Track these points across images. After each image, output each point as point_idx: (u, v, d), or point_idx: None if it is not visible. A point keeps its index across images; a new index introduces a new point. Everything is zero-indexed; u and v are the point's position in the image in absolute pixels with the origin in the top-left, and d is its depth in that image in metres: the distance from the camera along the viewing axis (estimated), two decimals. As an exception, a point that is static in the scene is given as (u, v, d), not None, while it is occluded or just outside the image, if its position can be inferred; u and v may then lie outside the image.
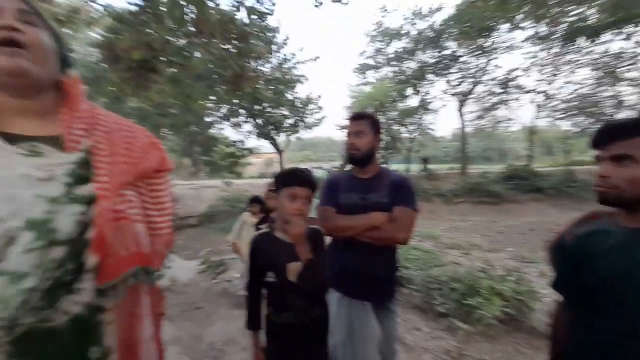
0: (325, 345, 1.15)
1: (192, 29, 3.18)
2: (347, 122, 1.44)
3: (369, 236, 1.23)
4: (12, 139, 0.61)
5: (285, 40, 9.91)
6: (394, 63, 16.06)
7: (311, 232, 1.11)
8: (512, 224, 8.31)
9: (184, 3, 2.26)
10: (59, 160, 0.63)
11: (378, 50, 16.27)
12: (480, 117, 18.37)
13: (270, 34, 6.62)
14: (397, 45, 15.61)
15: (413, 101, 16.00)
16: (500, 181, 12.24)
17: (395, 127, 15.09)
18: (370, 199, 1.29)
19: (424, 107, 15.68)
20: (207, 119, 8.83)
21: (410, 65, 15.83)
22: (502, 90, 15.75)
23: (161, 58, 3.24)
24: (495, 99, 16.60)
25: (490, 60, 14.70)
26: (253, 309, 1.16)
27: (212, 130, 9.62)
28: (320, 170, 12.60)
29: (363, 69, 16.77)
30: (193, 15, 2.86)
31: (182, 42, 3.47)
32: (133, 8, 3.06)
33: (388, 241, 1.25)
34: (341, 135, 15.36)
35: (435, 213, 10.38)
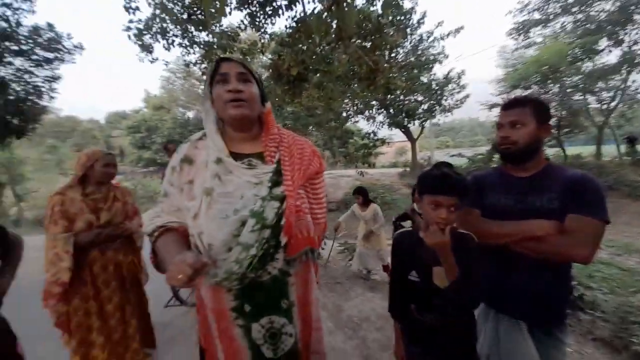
0: (471, 357, 1.06)
1: (333, 35, 3.54)
2: (499, 110, 1.18)
3: (528, 248, 1.02)
4: (237, 156, 0.94)
5: (421, 19, 9.18)
6: (576, 9, 11.54)
7: (460, 237, 1.01)
8: None
9: (329, 19, 2.56)
10: (264, 170, 0.94)
11: (547, -1, 12.14)
12: None
13: (404, 18, 6.34)
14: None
15: (610, 57, 11.11)
16: None
17: (576, 97, 11.04)
18: (530, 203, 1.06)
19: (629, 62, 10.54)
20: (344, 114, 9.59)
21: (604, 6, 10.97)
22: None
23: (310, 68, 3.82)
24: None
25: None
26: (397, 301, 1.14)
27: (348, 124, 10.34)
28: (460, 158, 11.09)
29: (524, 27, 13.01)
30: (334, 24, 3.18)
31: (325, 49, 3.93)
32: (289, 31, 3.75)
33: (559, 258, 1.00)
34: (489, 116, 12.68)
35: (648, 217, 7.11)
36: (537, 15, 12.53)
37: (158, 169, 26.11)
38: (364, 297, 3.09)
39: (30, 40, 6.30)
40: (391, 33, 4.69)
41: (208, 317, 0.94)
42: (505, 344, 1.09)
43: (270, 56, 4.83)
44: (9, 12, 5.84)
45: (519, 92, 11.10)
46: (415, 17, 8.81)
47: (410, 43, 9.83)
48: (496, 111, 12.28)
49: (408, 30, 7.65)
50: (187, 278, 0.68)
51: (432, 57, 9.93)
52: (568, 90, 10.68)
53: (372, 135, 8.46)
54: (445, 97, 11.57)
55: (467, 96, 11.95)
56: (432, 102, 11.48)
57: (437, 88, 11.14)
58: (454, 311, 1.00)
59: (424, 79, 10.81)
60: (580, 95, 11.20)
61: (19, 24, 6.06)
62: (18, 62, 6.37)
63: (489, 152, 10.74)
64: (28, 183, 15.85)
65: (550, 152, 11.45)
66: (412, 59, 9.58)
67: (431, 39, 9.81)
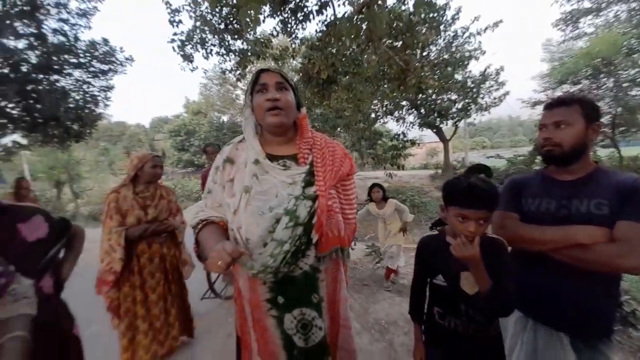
0: None
1: (363, 37, 3.55)
2: (543, 111, 1.11)
3: (571, 256, 0.96)
4: (273, 158, 1.01)
5: (455, 15, 8.79)
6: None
7: (489, 242, 0.97)
8: None
9: (360, 21, 2.58)
10: (298, 171, 0.99)
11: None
12: None
13: (437, 15, 6.14)
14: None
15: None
16: None
17: (633, 92, 9.83)
18: (575, 208, 0.99)
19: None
20: (373, 116, 9.48)
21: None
22: None
23: (339, 70, 3.86)
24: None
25: None
26: (418, 304, 1.13)
27: (377, 125, 10.19)
28: (499, 159, 10.39)
29: (572, 17, 11.87)
30: (364, 26, 3.19)
31: (355, 51, 3.95)
32: (319, 35, 3.83)
33: (606, 268, 0.93)
34: (532, 114, 11.70)
35: None
36: (587, 4, 11.38)
37: (195, 170, 27.78)
38: (392, 301, 3.04)
39: (88, 54, 7.05)
40: (423, 31, 4.58)
41: (245, 308, 1.01)
42: (544, 357, 1.03)
43: (300, 60, 4.95)
44: (66, 27, 6.62)
45: (566, 88, 10.16)
46: (449, 14, 8.47)
47: (443, 40, 9.43)
48: (540, 109, 11.33)
49: (441, 27, 7.36)
50: (225, 265, 0.74)
51: (467, 54, 9.45)
52: (624, 84, 9.53)
53: (401, 136, 8.27)
54: (481, 95, 10.91)
55: (506, 93, 11.17)
56: (467, 100, 10.88)
57: (472, 86, 10.56)
58: (482, 318, 0.97)
59: (459, 77, 10.29)
60: (638, 91, 9.96)
61: (77, 38, 6.82)
62: (77, 73, 7.16)
63: (531, 153, 9.93)
64: (84, 182, 17.69)
65: (604, 153, 10.34)
66: (446, 56, 9.18)
67: (466, 34, 9.32)
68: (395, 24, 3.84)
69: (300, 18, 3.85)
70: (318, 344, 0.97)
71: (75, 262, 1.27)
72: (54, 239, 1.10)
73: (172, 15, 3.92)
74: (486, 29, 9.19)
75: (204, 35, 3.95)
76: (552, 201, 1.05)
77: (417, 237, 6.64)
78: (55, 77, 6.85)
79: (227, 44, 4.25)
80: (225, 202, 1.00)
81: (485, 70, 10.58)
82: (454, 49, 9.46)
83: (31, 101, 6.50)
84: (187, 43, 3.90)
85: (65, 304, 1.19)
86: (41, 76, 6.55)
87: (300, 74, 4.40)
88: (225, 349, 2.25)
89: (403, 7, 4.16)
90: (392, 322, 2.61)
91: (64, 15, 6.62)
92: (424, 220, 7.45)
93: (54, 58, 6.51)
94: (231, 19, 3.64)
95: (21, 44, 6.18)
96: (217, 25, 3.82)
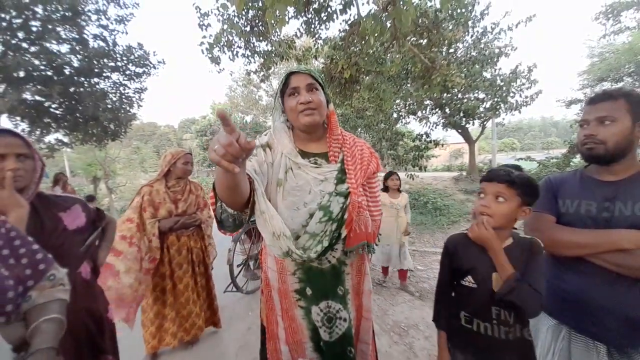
0: None
1: (388, 35, 3.50)
2: (585, 107, 1.04)
3: (611, 261, 0.90)
4: (305, 155, 1.04)
5: (485, 10, 8.43)
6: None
7: (525, 243, 0.95)
8: None
9: (385, 19, 2.55)
10: (330, 169, 1.02)
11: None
12: None
13: (465, 10, 5.92)
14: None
15: None
16: None
17: None
18: (617, 211, 0.93)
19: None
20: (395, 116, 9.29)
21: None
22: None
23: (362, 70, 3.84)
24: None
25: None
26: (443, 309, 1.08)
27: (398, 126, 9.97)
28: (530, 162, 9.82)
29: (613, 10, 10.94)
30: (389, 24, 3.14)
31: (378, 50, 3.91)
32: (342, 34, 3.82)
33: None
34: (567, 114, 10.93)
35: None
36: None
37: (219, 169, 28.62)
38: (412, 304, 2.98)
39: (125, 57, 7.52)
40: (450, 28, 4.43)
41: (273, 298, 1.05)
42: None
43: (322, 61, 4.99)
44: (105, 33, 7.11)
45: (607, 86, 9.44)
46: (478, 9, 8.13)
47: (471, 37, 9.05)
48: (576, 108, 10.58)
49: (470, 22, 7.06)
50: (222, 149, 0.56)
51: (497, 50, 9.00)
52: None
53: (424, 136, 8.05)
54: (512, 94, 10.32)
55: (539, 92, 10.48)
56: (495, 99, 10.34)
57: (502, 84, 10.02)
58: (514, 319, 0.92)
59: (487, 75, 9.81)
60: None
61: (115, 43, 7.31)
62: (114, 76, 7.68)
63: (566, 155, 9.29)
64: (117, 178, 18.88)
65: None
66: (474, 53, 8.81)
67: (496, 30, 8.87)
68: (420, 21, 3.75)
69: (324, 18, 3.87)
70: (341, 336, 1.00)
71: (109, 249, 1.35)
72: (91, 228, 1.18)
73: (201, 19, 4.10)
74: (518, 24, 8.71)
75: (230, 38, 4.09)
76: (593, 203, 0.98)
77: (439, 241, 6.45)
78: (95, 79, 7.38)
79: (252, 45, 4.37)
80: (262, 172, 0.95)
81: (516, 67, 10.00)
82: (482, 46, 9.05)
83: (73, 102, 7.05)
84: (215, 46, 4.06)
85: (102, 289, 1.26)
86: (82, 79, 7.08)
87: (323, 74, 4.43)
88: (245, 340, 2.32)
89: (429, 3, 4.06)
90: (412, 325, 2.55)
91: (104, 22, 7.11)
92: (447, 223, 7.22)
93: (95, 62, 7.01)
94: (257, 21, 3.74)
95: (64, 48, 6.73)
96: (243, 28, 3.94)
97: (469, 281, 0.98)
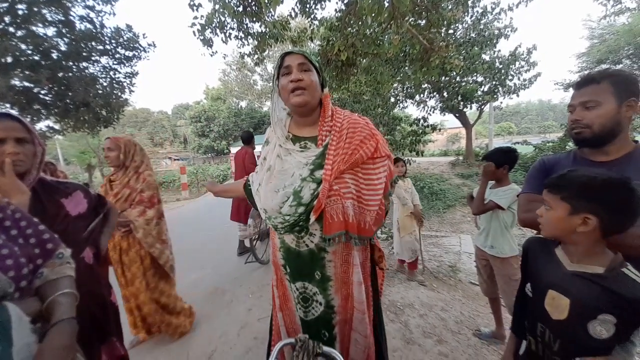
0: None
1: (386, 15, 3.39)
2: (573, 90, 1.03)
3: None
4: (297, 139, 1.05)
5: (485, -11, 8.15)
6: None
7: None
8: None
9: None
10: (313, 153, 1.00)
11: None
12: None
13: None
14: None
15: None
16: None
17: None
18: None
19: None
20: (392, 100, 9.17)
21: None
22: None
23: (359, 52, 3.75)
24: None
25: None
26: (518, 314, 0.99)
27: (395, 110, 9.85)
28: (526, 145, 9.85)
29: None
30: (387, 2, 3.04)
31: (376, 31, 3.80)
32: (339, 15, 3.70)
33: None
34: (564, 97, 10.89)
35: None
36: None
37: (215, 156, 28.49)
38: (408, 285, 3.06)
39: (113, 41, 7.25)
40: (449, 7, 4.31)
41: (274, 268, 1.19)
42: None
43: (318, 43, 4.84)
44: (92, 15, 6.81)
45: (605, 68, 9.34)
46: (478, -13, 7.87)
47: (471, 17, 8.80)
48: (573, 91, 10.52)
49: (469, 2, 6.84)
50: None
51: (496, 32, 8.79)
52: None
53: (422, 121, 7.99)
54: (510, 77, 10.17)
55: (537, 75, 10.34)
56: (494, 82, 10.21)
57: (500, 67, 9.85)
58: (555, 344, 0.81)
59: (486, 57, 9.62)
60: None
61: (102, 25, 7.02)
62: (104, 60, 7.43)
63: (561, 139, 9.33)
64: (113, 165, 18.66)
65: (645, 138, 9.53)
66: (473, 34, 8.60)
67: (497, 10, 8.63)
68: (419, 0, 3.63)
69: (320, -3, 3.73)
70: (317, 318, 1.07)
71: (111, 235, 1.36)
72: (92, 214, 1.18)
73: (191, -2, 3.92)
74: (519, 3, 8.48)
75: (222, 19, 3.94)
76: None
77: (434, 225, 6.55)
78: (84, 64, 7.14)
79: (245, 27, 4.22)
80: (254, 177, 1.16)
81: (515, 49, 9.81)
82: (482, 27, 8.83)
83: (62, 87, 6.84)
84: (206, 27, 3.91)
85: (105, 274, 1.28)
86: (71, 63, 6.85)
87: (319, 57, 4.32)
88: (246, 321, 2.41)
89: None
90: (408, 304, 2.63)
91: (90, 2, 6.80)
92: (442, 207, 7.32)
93: (82, 45, 6.76)
94: (250, 0, 3.60)
95: (50, 31, 6.46)
96: (235, 8, 3.79)
97: (528, 289, 0.92)
